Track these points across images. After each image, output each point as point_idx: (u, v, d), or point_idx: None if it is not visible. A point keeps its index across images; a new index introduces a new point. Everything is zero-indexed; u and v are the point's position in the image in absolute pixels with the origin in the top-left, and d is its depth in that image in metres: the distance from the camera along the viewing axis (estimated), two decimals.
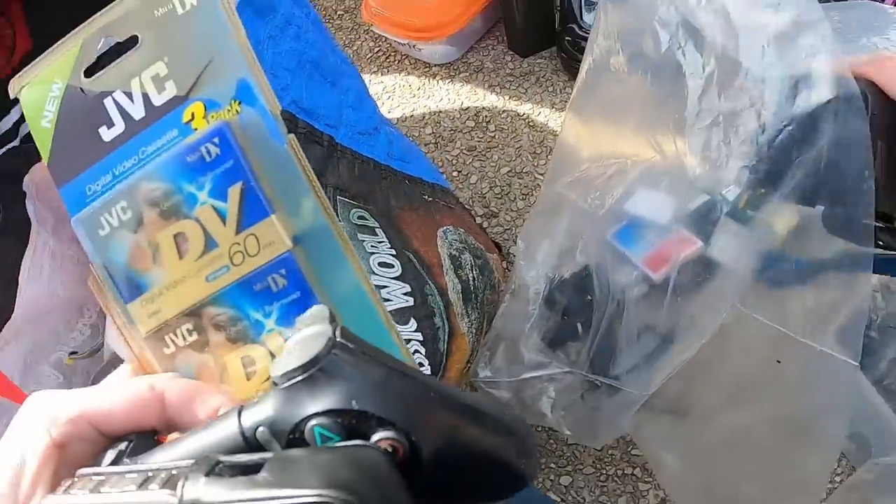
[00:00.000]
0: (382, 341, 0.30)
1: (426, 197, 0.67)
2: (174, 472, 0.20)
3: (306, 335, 0.22)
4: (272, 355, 0.29)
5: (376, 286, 0.57)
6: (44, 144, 0.31)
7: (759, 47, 0.40)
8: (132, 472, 0.21)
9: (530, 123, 1.10)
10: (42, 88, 0.31)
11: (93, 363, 0.61)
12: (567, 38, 1.05)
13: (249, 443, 0.21)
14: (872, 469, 0.49)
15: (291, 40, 0.55)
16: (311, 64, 0.57)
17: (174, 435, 0.26)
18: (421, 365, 0.62)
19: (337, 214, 0.56)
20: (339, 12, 1.35)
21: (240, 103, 0.29)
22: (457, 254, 0.67)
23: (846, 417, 0.43)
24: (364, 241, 0.56)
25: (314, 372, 0.21)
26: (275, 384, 0.21)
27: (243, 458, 0.20)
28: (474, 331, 0.68)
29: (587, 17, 1.04)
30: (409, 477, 0.20)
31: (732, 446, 0.60)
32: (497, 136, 1.10)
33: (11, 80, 0.31)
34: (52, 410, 0.26)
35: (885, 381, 0.53)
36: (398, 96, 1.19)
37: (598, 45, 0.54)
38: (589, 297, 0.72)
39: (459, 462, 0.22)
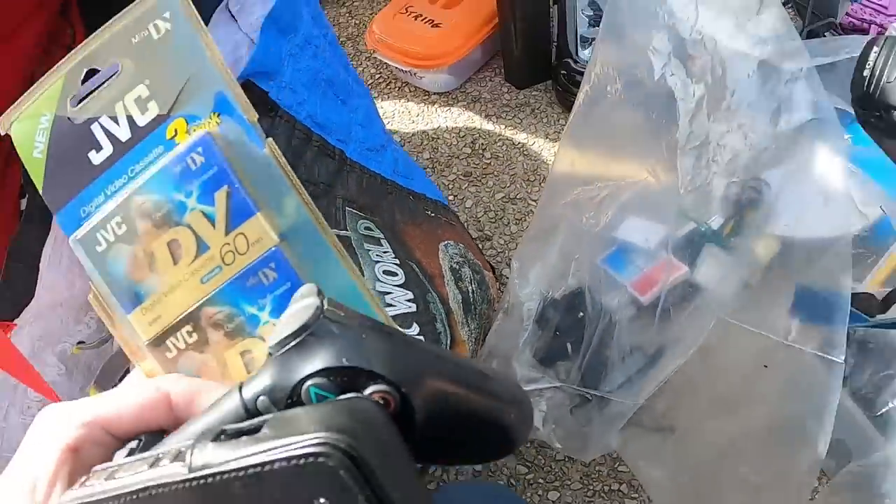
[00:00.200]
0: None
1: (429, 213, 0.70)
2: (182, 448, 0.21)
3: (297, 308, 0.23)
4: None
5: (380, 292, 0.60)
6: (37, 174, 0.32)
7: (744, 74, 0.44)
8: (143, 459, 0.22)
9: (524, 152, 1.14)
10: (31, 122, 0.32)
11: (96, 357, 0.62)
12: (562, 71, 1.10)
13: (251, 414, 0.22)
14: (853, 471, 0.52)
15: (309, 59, 0.59)
16: (326, 82, 0.60)
17: None
18: None
19: (345, 224, 0.59)
20: (341, 39, 1.39)
21: (219, 115, 0.30)
22: (457, 267, 0.70)
23: (832, 415, 0.46)
24: (370, 250, 0.59)
25: (305, 336, 0.22)
26: (270, 354, 0.22)
27: (245, 423, 0.21)
28: (474, 340, 0.70)
29: (582, 53, 1.09)
30: (403, 431, 0.21)
31: (719, 457, 0.63)
32: (492, 163, 1.13)
33: (0, 118, 0.32)
34: (64, 418, 0.27)
35: (863, 391, 0.57)
36: (398, 122, 1.23)
37: (596, 74, 0.58)
38: (581, 315, 0.75)
39: (449, 420, 0.23)
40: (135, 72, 0.31)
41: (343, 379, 0.22)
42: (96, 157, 0.31)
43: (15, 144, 0.32)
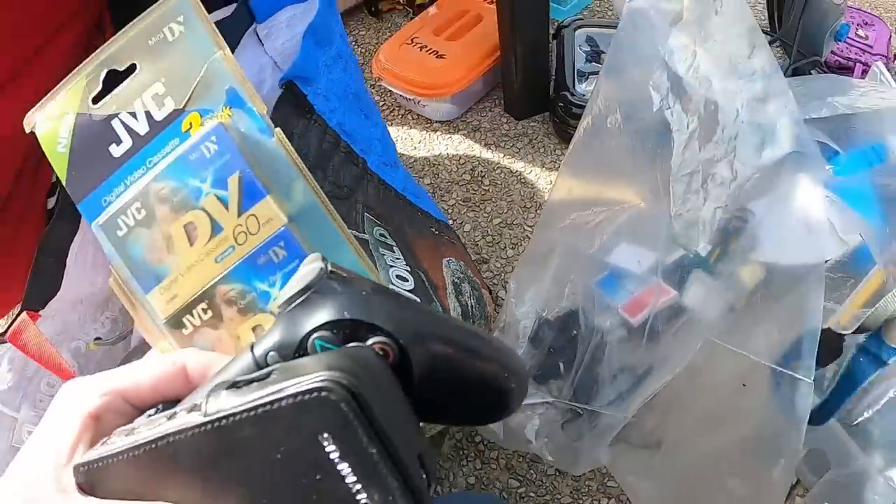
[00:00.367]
0: None
1: (433, 230, 0.74)
2: (198, 402, 0.22)
3: (303, 272, 0.24)
4: None
5: None
6: (61, 168, 0.34)
7: (734, 109, 0.48)
8: (162, 415, 0.24)
9: (522, 180, 1.17)
10: (55, 121, 0.34)
11: (108, 357, 0.64)
12: (560, 104, 1.13)
13: (262, 368, 0.23)
14: (831, 481, 0.55)
15: (340, 72, 0.63)
16: (353, 95, 0.65)
17: None
18: None
19: (363, 228, 0.63)
20: None
21: (230, 108, 0.32)
22: (458, 282, 0.73)
23: (802, 429, 0.49)
24: (384, 255, 0.62)
25: (310, 294, 0.23)
26: (279, 312, 0.24)
27: (256, 373, 0.22)
28: None
29: (579, 87, 1.13)
30: (401, 383, 0.22)
31: (705, 471, 0.66)
32: (491, 190, 1.17)
33: (26, 117, 0.34)
34: (86, 389, 0.28)
35: None
36: (401, 148, 1.26)
37: (598, 105, 0.62)
38: (574, 335, 0.78)
39: (446, 378, 0.24)
40: (152, 71, 0.33)
41: (346, 331, 0.23)
42: (117, 150, 0.33)
43: (40, 141, 0.34)
